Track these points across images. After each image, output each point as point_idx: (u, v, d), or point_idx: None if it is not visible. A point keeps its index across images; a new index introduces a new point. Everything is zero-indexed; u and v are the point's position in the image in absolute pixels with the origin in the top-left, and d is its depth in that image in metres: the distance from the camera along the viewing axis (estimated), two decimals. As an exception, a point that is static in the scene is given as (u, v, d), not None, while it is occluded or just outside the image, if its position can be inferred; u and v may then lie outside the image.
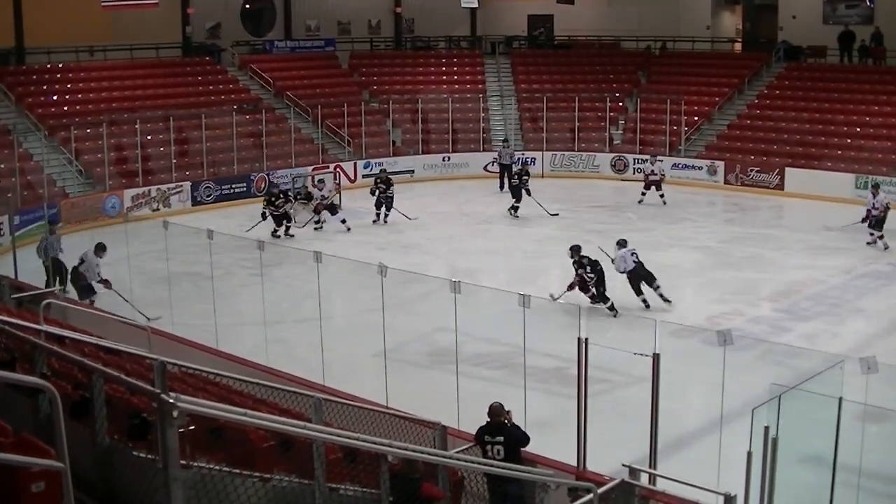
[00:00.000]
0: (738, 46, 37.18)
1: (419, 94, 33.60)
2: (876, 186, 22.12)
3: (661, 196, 26.92)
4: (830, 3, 34.08)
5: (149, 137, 27.71)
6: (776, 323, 16.60)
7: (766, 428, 7.25)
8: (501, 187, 28.77)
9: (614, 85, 34.45)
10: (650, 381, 8.88)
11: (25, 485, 4.01)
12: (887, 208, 21.27)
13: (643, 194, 27.05)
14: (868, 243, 21.27)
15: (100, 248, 16.77)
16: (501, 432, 8.71)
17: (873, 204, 21.22)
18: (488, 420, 8.80)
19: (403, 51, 38.20)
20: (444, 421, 8.93)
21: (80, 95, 29.46)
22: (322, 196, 24.52)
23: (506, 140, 31.04)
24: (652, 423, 9.03)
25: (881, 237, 21.16)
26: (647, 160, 28.33)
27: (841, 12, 33.76)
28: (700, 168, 29.99)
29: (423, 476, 7.07)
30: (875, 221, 21.21)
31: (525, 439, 8.87)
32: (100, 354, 8.27)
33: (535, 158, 32.04)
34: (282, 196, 23.88)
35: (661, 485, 7.94)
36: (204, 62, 33.21)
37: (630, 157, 31.24)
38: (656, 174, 27.12)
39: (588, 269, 17.12)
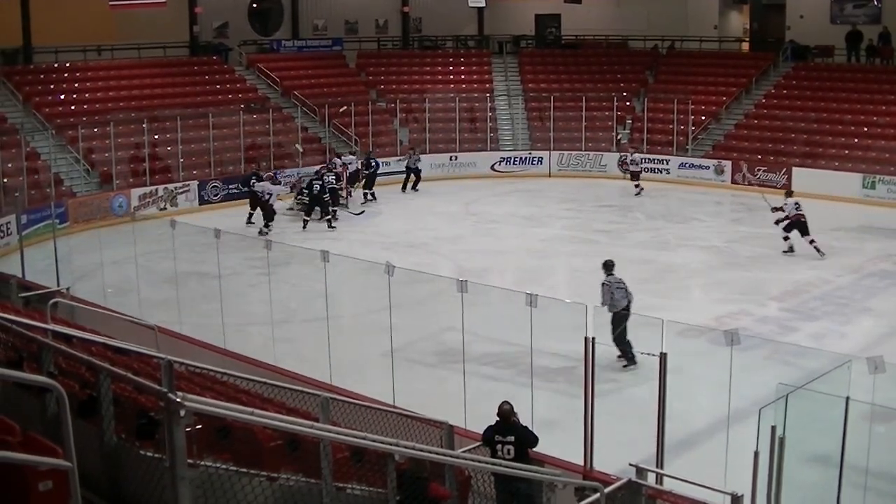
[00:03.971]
0: (745, 46, 37.08)
1: (426, 94, 33.60)
2: (788, 193, 21.50)
3: (637, 186, 28.39)
4: (838, 2, 34.00)
5: (156, 137, 27.77)
6: (784, 322, 16.58)
7: (773, 427, 7.24)
8: (404, 188, 29.36)
9: (622, 84, 34.41)
10: (657, 380, 8.87)
11: (33, 483, 4.02)
12: (797, 210, 20.49)
13: (638, 186, 28.46)
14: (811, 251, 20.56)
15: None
16: (513, 432, 8.69)
17: (782, 206, 20.76)
18: (498, 419, 8.78)
19: (411, 50, 38.21)
20: (451, 420, 8.94)
21: (87, 95, 29.52)
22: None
23: (412, 148, 30.82)
24: (659, 422, 9.03)
25: (786, 238, 20.71)
26: (629, 154, 29.69)
27: (848, 12, 33.68)
28: (707, 168, 29.95)
29: (430, 475, 7.08)
30: (787, 225, 20.67)
31: (535, 441, 8.87)
32: (107, 353, 8.29)
33: (542, 157, 32.11)
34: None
35: (668, 484, 7.93)
36: (211, 61, 33.26)
37: (638, 156, 31.16)
38: (637, 164, 28.86)
39: (373, 167, 27.61)
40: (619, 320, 13.91)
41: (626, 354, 13.85)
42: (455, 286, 11.19)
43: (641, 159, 29.30)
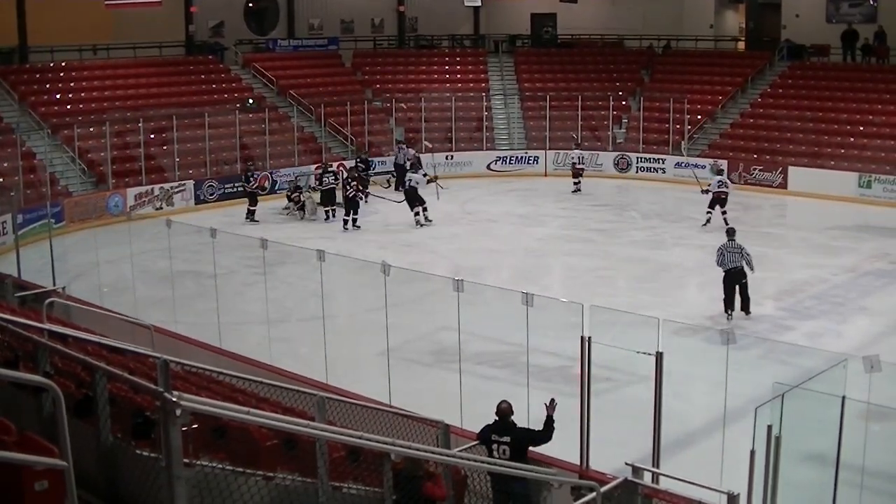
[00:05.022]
0: (741, 45, 37.12)
1: (422, 93, 33.58)
2: (720, 171, 24.62)
3: (576, 184, 28.47)
4: (833, 1, 33.98)
5: (152, 136, 27.72)
6: (780, 321, 16.59)
7: (770, 426, 7.24)
8: (398, 187, 28.31)
9: (617, 84, 34.42)
10: (653, 379, 8.87)
11: (29, 483, 4.02)
12: (719, 188, 23.10)
13: (577, 184, 28.50)
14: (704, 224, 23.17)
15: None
16: (509, 432, 8.66)
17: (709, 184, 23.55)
18: (496, 419, 8.76)
19: (406, 49, 38.20)
20: (447, 419, 8.93)
21: (83, 94, 29.49)
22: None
23: (401, 141, 30.81)
24: (655, 421, 9.02)
25: (708, 213, 23.22)
26: (574, 149, 29.58)
27: (844, 11, 33.67)
28: (703, 167, 29.91)
29: (425, 475, 7.08)
30: (711, 201, 23.21)
31: (541, 438, 8.73)
32: (103, 353, 8.29)
33: (538, 157, 32.11)
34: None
35: (665, 483, 7.92)
36: (207, 61, 33.21)
37: (633, 155, 31.24)
38: (578, 162, 28.79)
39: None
40: (729, 278, 16.12)
41: (732, 305, 16.18)
42: (451, 285, 11.19)
43: (580, 157, 29.00)
